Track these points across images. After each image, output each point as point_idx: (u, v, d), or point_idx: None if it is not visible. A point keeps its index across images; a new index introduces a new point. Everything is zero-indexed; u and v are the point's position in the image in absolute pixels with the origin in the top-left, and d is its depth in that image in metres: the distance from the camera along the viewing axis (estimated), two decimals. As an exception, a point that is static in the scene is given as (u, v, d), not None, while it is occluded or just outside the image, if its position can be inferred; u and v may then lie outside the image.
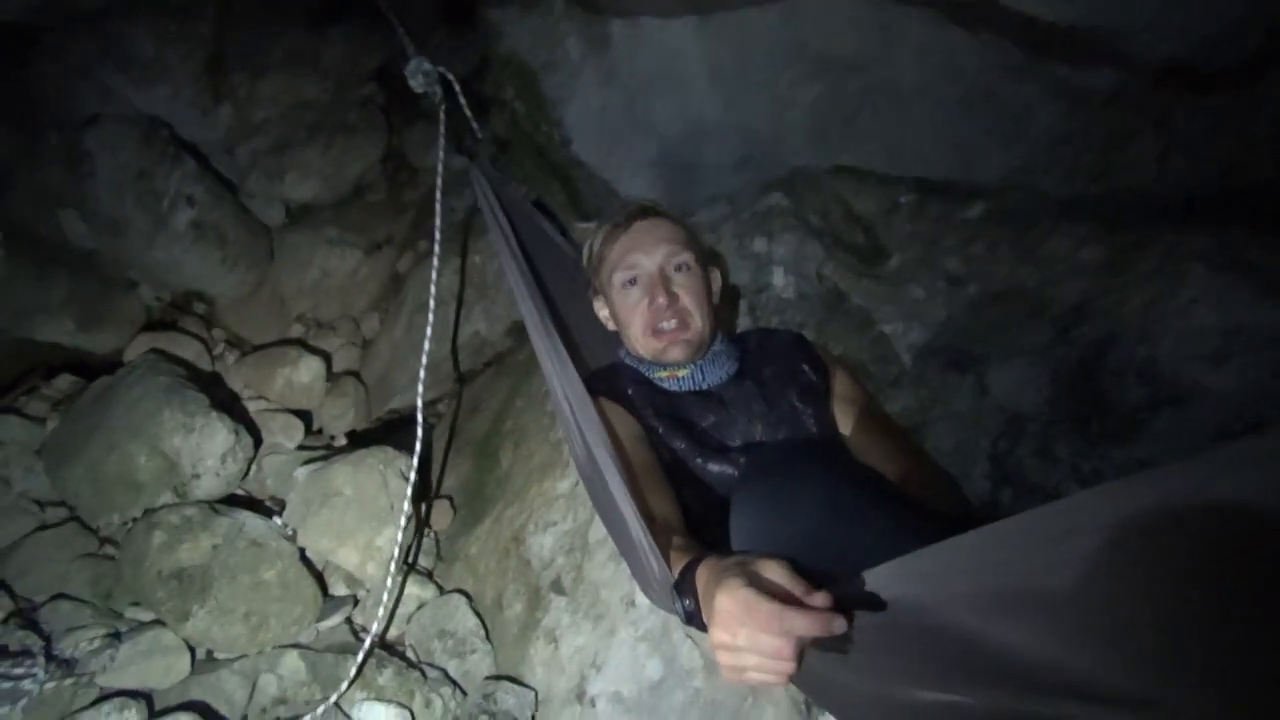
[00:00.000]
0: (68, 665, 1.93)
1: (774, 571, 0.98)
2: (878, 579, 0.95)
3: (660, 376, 1.71)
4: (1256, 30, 1.76)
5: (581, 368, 1.99)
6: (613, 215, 1.79)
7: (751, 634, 0.92)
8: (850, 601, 0.96)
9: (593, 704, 1.90)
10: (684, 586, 1.17)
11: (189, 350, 3.03)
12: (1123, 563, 0.83)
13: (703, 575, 1.12)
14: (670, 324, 1.66)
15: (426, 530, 2.54)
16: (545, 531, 2.16)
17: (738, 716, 1.75)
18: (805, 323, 2.10)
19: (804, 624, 0.90)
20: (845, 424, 1.67)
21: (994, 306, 1.98)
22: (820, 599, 0.93)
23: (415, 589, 2.32)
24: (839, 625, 0.90)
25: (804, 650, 0.95)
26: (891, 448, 1.60)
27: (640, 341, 1.71)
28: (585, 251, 1.84)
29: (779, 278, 2.18)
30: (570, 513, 2.15)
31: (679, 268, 1.70)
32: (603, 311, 1.85)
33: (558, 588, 2.07)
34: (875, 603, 0.95)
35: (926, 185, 2.43)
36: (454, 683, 2.11)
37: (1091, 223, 2.04)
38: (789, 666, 0.93)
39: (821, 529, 1.08)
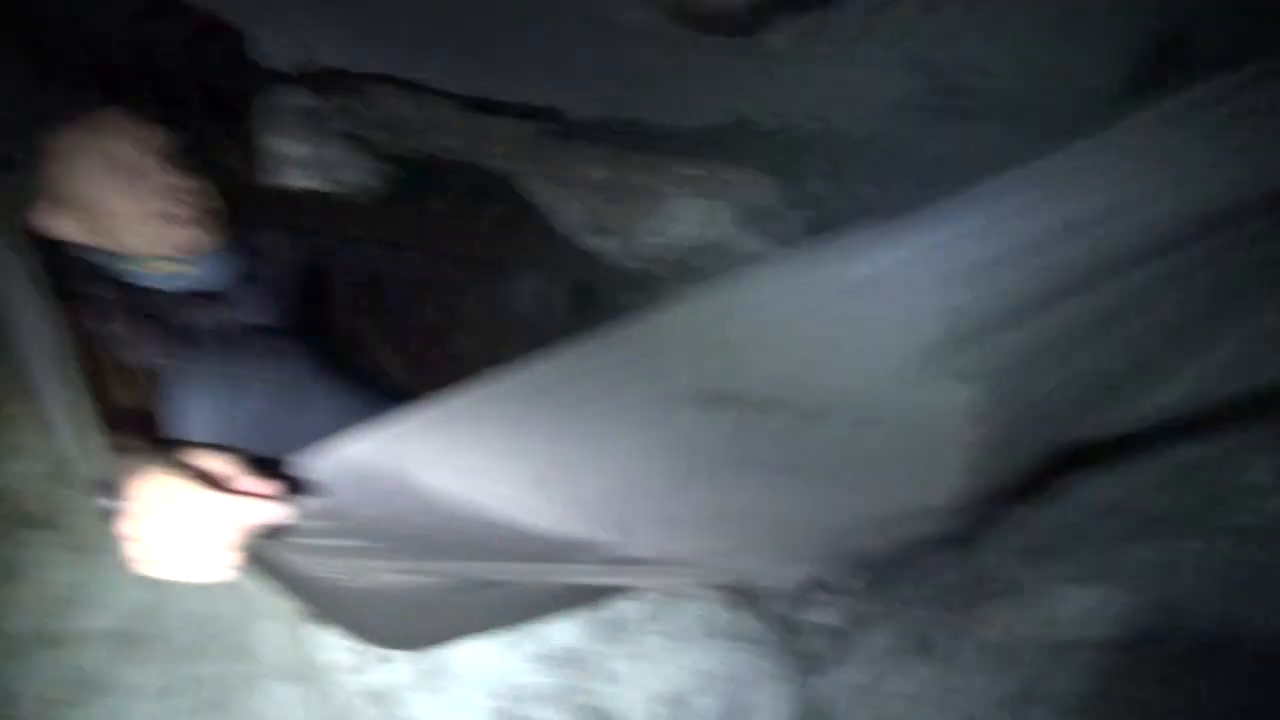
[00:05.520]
0: None
1: (210, 460, 0.92)
2: (329, 459, 0.93)
3: (146, 272, 1.52)
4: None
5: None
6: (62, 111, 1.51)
7: (187, 525, 0.86)
8: (297, 486, 0.94)
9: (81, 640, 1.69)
10: (111, 482, 1.06)
11: None
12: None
13: (136, 468, 1.03)
14: (184, 208, 1.48)
15: None
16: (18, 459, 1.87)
17: (237, 631, 1.68)
18: (332, 227, 2.04)
19: (245, 512, 0.86)
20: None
21: (517, 218, 2.09)
22: (261, 485, 0.89)
23: None
24: (283, 512, 0.88)
25: (254, 540, 0.92)
26: None
27: (144, 233, 1.48)
28: (36, 160, 1.51)
29: (304, 181, 2.09)
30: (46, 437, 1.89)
31: (172, 154, 1.53)
32: (66, 225, 1.54)
33: (33, 520, 1.81)
34: (326, 485, 0.94)
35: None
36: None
37: (606, 147, 2.22)
38: (229, 558, 0.89)
39: (269, 412, 1.05)
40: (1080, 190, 1.10)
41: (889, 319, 1.07)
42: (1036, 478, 1.44)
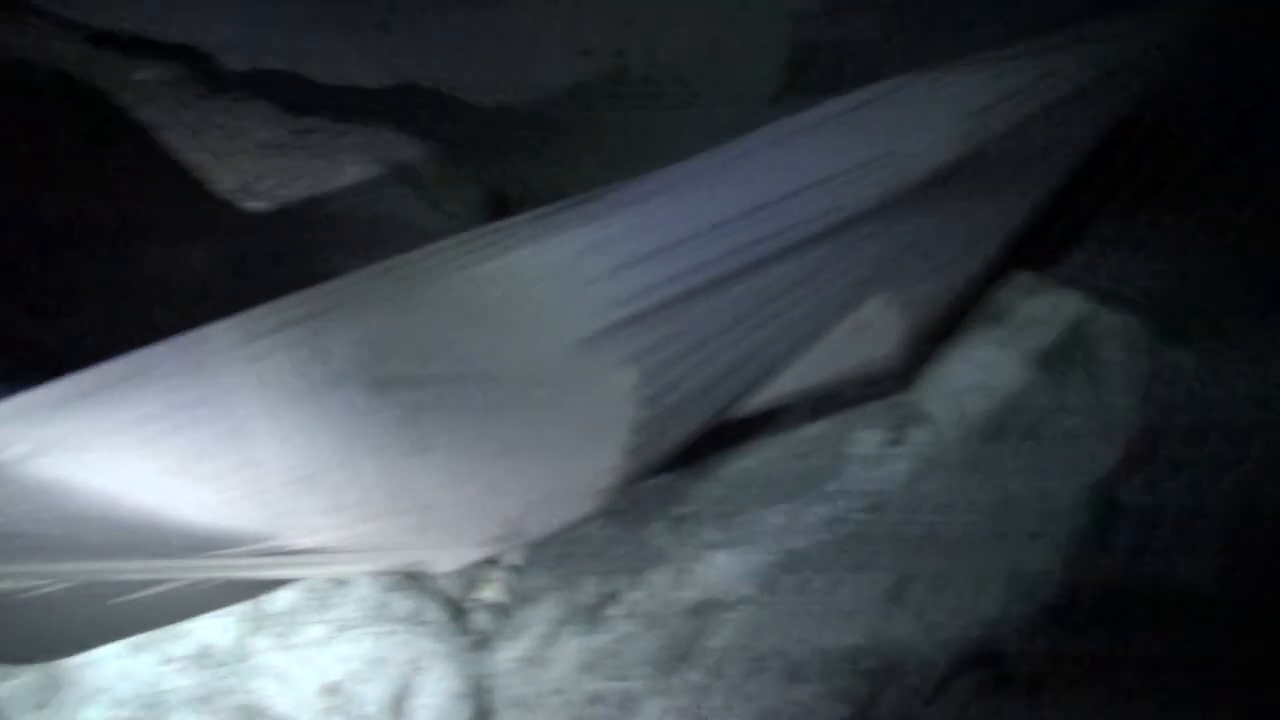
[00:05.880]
0: None
1: None
2: None
3: None
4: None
5: None
6: None
7: None
8: None
9: None
10: None
11: None
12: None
13: None
14: None
15: None
16: None
17: None
18: None
19: None
20: None
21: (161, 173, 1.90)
22: None
23: None
24: None
25: None
26: None
27: None
28: None
29: None
30: None
31: None
32: None
33: None
34: None
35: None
36: None
37: (265, 102, 2.08)
38: None
39: None
40: (727, 189, 1.21)
41: (559, 306, 1.12)
42: (690, 454, 1.58)
